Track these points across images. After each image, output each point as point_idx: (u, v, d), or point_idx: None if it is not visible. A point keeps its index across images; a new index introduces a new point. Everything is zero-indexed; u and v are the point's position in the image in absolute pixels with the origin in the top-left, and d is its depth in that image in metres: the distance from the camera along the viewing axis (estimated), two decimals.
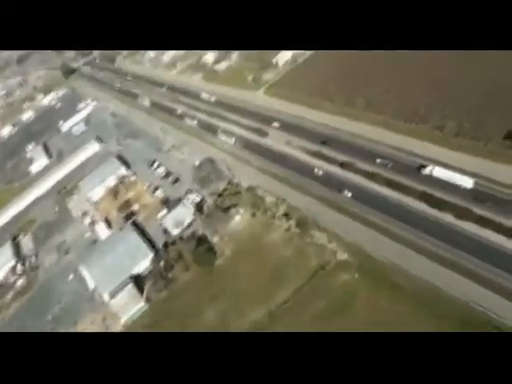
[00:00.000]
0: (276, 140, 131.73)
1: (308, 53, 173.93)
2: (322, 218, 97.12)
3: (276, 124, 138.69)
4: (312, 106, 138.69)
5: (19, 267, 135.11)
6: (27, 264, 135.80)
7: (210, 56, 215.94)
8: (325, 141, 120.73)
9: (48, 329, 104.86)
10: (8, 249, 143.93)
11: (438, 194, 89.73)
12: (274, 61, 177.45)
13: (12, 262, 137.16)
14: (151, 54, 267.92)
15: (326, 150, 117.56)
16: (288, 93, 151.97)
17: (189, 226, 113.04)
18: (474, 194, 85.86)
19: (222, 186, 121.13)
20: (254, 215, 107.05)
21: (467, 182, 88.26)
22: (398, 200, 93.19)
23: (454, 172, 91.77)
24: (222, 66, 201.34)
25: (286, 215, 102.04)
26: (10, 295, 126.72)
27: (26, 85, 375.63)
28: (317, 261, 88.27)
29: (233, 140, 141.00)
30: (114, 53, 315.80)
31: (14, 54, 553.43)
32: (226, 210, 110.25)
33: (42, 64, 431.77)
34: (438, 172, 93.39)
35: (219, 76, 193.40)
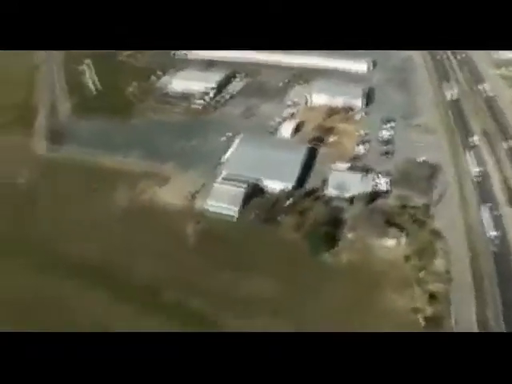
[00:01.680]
0: None
1: None
2: None
3: None
4: None
5: (211, 93, 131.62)
6: (219, 97, 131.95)
7: None
8: None
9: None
10: (222, 77, 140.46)
11: None
12: None
13: (212, 86, 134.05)
14: None
15: None
16: None
17: (345, 198, 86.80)
18: None
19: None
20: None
21: None
22: None
23: None
24: None
25: None
26: (178, 109, 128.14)
27: None
28: None
29: None
30: None
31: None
32: None
33: None
34: None
35: None
